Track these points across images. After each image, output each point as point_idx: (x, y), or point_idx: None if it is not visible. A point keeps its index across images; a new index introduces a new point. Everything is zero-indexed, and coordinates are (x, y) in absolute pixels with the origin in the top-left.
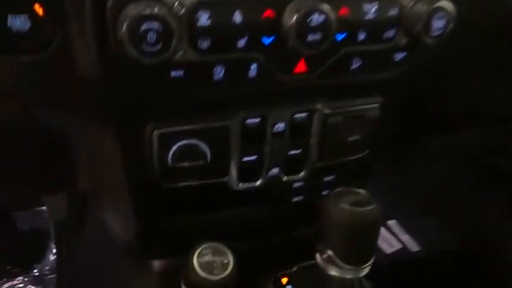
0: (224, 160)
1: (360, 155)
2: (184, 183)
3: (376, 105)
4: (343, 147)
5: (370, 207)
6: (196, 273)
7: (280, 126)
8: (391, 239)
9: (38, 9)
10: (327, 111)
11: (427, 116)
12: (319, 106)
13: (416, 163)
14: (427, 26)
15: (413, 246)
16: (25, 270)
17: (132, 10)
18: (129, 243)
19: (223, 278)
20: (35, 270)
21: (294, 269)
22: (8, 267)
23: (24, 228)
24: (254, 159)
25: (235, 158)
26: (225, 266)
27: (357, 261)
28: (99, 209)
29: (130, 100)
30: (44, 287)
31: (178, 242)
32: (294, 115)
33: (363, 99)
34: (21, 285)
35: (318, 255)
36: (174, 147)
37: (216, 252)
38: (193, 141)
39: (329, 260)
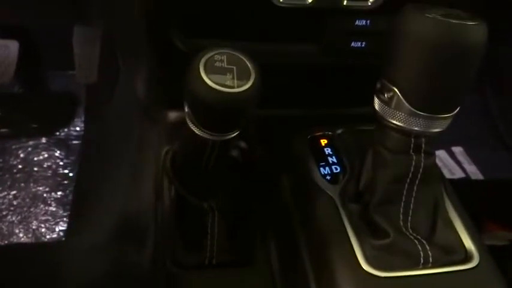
0: None
1: None
2: None
3: None
4: None
5: (472, 22)
6: (202, 83)
7: None
8: (454, 166)
9: None
10: None
11: None
12: None
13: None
14: None
15: (477, 177)
16: (51, 131)
17: None
18: (149, 96)
19: (240, 92)
20: (62, 133)
21: (338, 131)
22: (34, 125)
23: (56, 90)
24: None
25: None
26: (243, 77)
27: (431, 107)
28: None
29: None
30: (68, 152)
31: None
32: None
33: None
34: (45, 146)
35: (376, 99)
36: None
37: (233, 61)
38: None
39: (392, 103)
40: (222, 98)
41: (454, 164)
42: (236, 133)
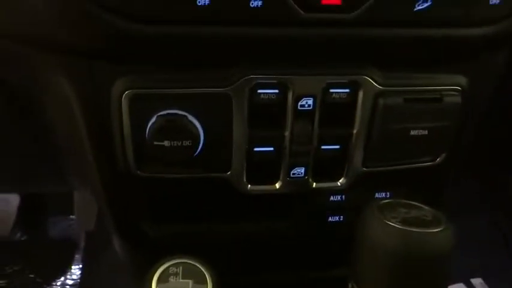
0: (224, 146)
1: (429, 161)
2: (167, 175)
3: (456, 86)
4: (402, 146)
5: (434, 230)
6: None
7: (308, 103)
8: None
9: None
10: (380, 86)
11: None
12: (367, 77)
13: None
14: None
15: None
16: (47, 281)
17: None
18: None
19: None
20: (58, 283)
21: None
22: (31, 275)
23: (56, 236)
24: (269, 150)
25: (242, 145)
26: None
27: None
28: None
29: (87, 36)
30: None
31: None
32: (328, 88)
33: (435, 77)
34: None
35: None
36: (152, 119)
37: (189, 274)
38: (178, 111)
39: None
40: None
41: None
42: None
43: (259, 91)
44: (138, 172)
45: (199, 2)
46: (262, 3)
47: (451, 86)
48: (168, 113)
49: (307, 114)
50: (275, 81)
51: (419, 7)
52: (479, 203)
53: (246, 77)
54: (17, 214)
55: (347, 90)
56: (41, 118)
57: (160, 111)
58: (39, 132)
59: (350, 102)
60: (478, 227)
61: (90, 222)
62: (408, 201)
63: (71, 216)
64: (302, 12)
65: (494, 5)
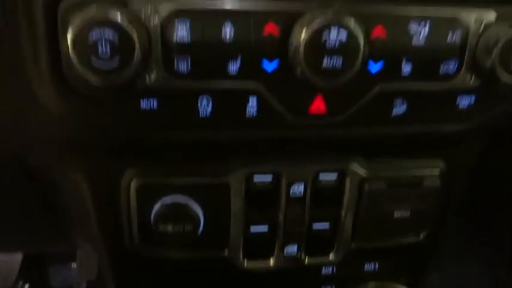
0: (223, 228)
1: (413, 239)
2: (170, 255)
3: (435, 171)
4: (387, 226)
5: None
6: None
7: (299, 188)
8: None
9: None
10: (364, 174)
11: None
12: (353, 166)
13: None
14: (505, 57)
15: None
16: None
17: (83, 15)
18: None
19: None
20: None
21: None
22: None
23: (57, 285)
24: (264, 230)
25: (239, 226)
26: None
27: None
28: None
29: (99, 138)
30: None
31: None
32: (317, 175)
33: (415, 162)
34: None
35: None
36: (157, 205)
37: None
38: (181, 198)
39: None
40: None
41: None
42: None
43: (255, 179)
44: (143, 253)
45: (201, 114)
46: (257, 113)
47: (430, 168)
48: (172, 202)
49: (299, 198)
50: (269, 169)
51: (396, 113)
52: (470, 245)
53: (243, 168)
54: (21, 264)
55: (334, 178)
56: (49, 189)
57: (165, 198)
58: (47, 199)
59: (338, 187)
60: (471, 271)
61: (92, 272)
62: (393, 285)
63: (73, 265)
64: (292, 118)
65: (462, 109)
